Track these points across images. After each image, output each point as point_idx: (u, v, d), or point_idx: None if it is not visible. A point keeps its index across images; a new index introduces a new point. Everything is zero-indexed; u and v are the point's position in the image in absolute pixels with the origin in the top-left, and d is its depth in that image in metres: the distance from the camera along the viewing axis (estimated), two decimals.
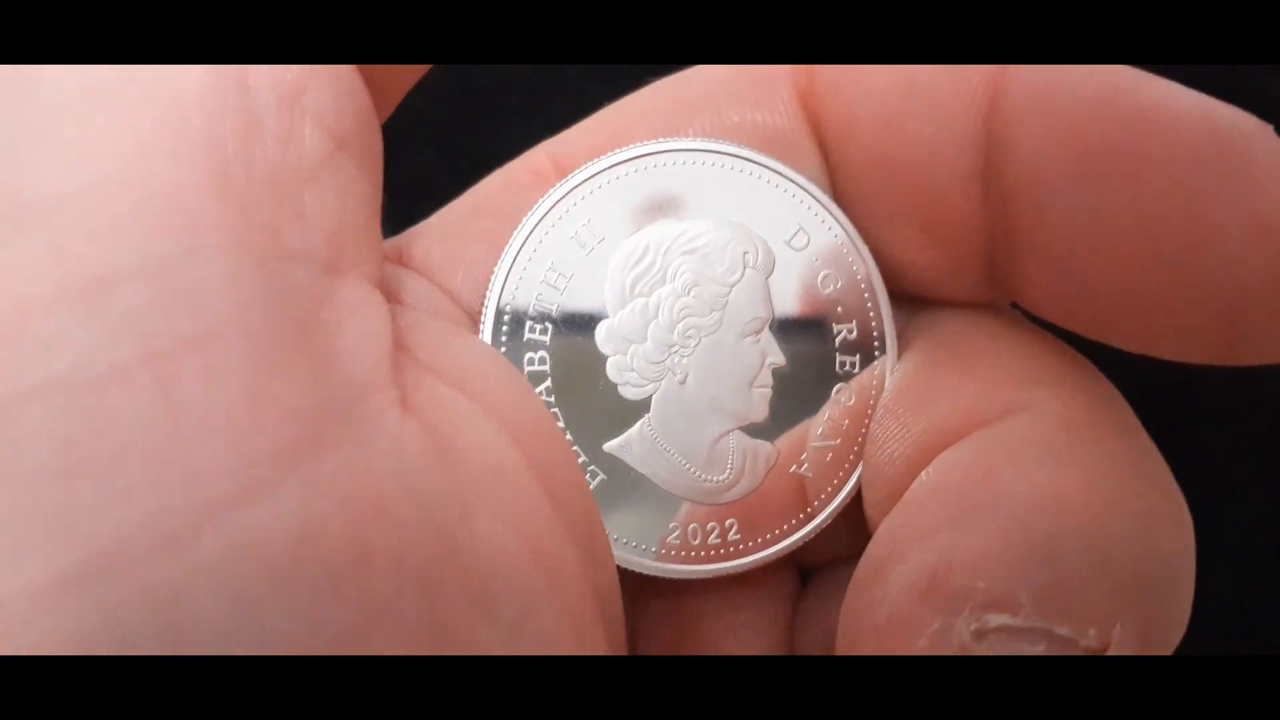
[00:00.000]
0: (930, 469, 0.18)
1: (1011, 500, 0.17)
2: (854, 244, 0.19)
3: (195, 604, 0.13)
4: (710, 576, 0.19)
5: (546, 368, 0.19)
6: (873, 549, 0.18)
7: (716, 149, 0.19)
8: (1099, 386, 0.19)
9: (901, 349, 0.20)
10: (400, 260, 0.20)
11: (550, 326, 0.19)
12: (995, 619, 0.16)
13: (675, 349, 0.19)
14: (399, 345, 0.17)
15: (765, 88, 0.20)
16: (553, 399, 0.19)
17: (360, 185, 0.17)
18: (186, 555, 0.13)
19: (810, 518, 0.20)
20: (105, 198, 0.14)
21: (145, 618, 0.13)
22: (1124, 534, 0.17)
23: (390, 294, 0.18)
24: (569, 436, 0.19)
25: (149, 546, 0.13)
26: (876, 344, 0.20)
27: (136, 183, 0.14)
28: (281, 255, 0.15)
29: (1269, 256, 0.15)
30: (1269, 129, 0.16)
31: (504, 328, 0.19)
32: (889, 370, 0.19)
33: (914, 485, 0.18)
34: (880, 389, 0.19)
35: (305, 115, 0.16)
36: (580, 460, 0.19)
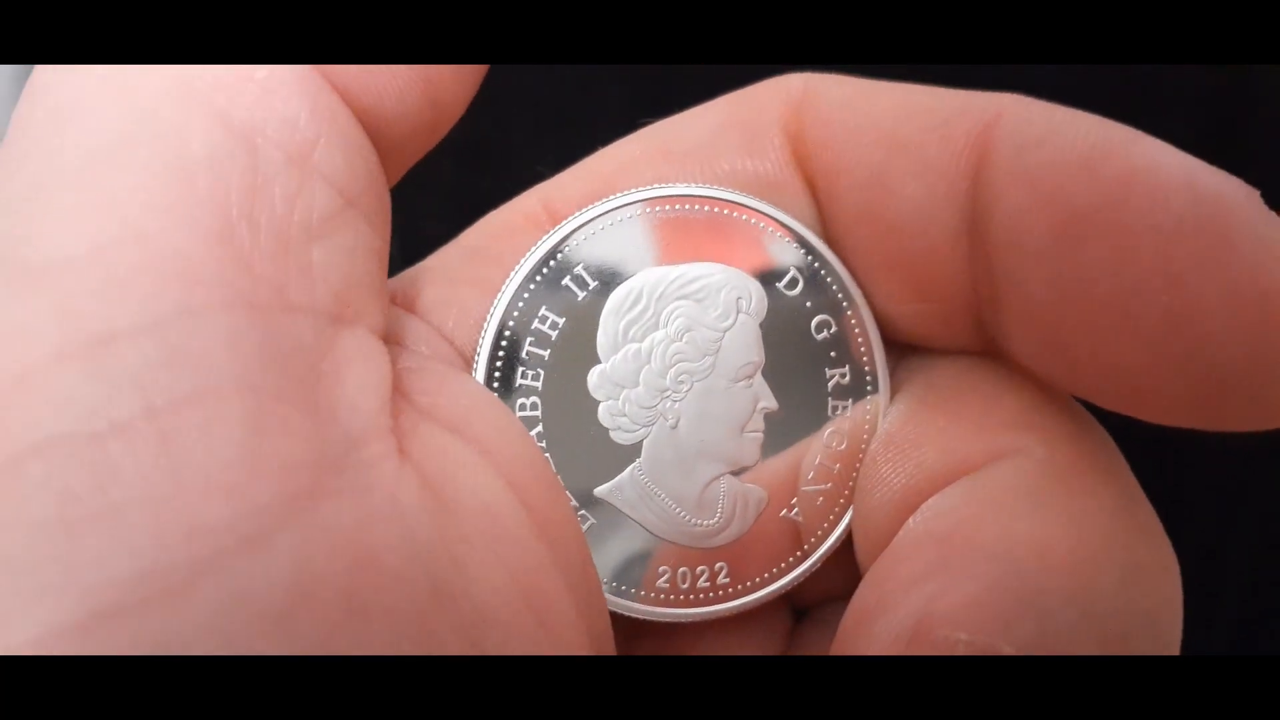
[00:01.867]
0: (917, 515, 0.18)
1: (995, 550, 0.17)
2: (847, 289, 0.20)
3: (193, 648, 0.14)
4: (700, 620, 0.19)
5: (538, 413, 0.19)
6: (858, 598, 0.18)
7: (709, 194, 0.20)
8: (1089, 431, 0.19)
9: (893, 392, 0.20)
10: (401, 303, 0.20)
11: (542, 372, 0.19)
12: None
13: (667, 394, 0.19)
14: (398, 390, 0.17)
15: (756, 136, 0.20)
16: (544, 443, 0.19)
17: (369, 240, 0.17)
18: (184, 606, 0.14)
19: (800, 561, 0.20)
20: (109, 258, 0.15)
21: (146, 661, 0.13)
22: (1109, 585, 0.17)
23: (393, 338, 0.19)
24: (560, 480, 0.19)
25: (148, 598, 0.14)
26: (869, 388, 0.20)
27: (140, 243, 0.15)
28: (284, 309, 0.15)
29: (1249, 328, 0.15)
30: (1254, 195, 0.16)
31: (496, 372, 0.19)
32: (880, 415, 0.20)
33: (901, 532, 0.18)
34: (872, 433, 0.19)
35: (315, 173, 0.16)
36: (571, 504, 0.19)
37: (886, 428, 0.19)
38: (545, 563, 0.17)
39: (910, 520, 0.18)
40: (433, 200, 0.32)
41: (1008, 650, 0.16)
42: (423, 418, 0.17)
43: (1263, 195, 0.16)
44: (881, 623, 0.17)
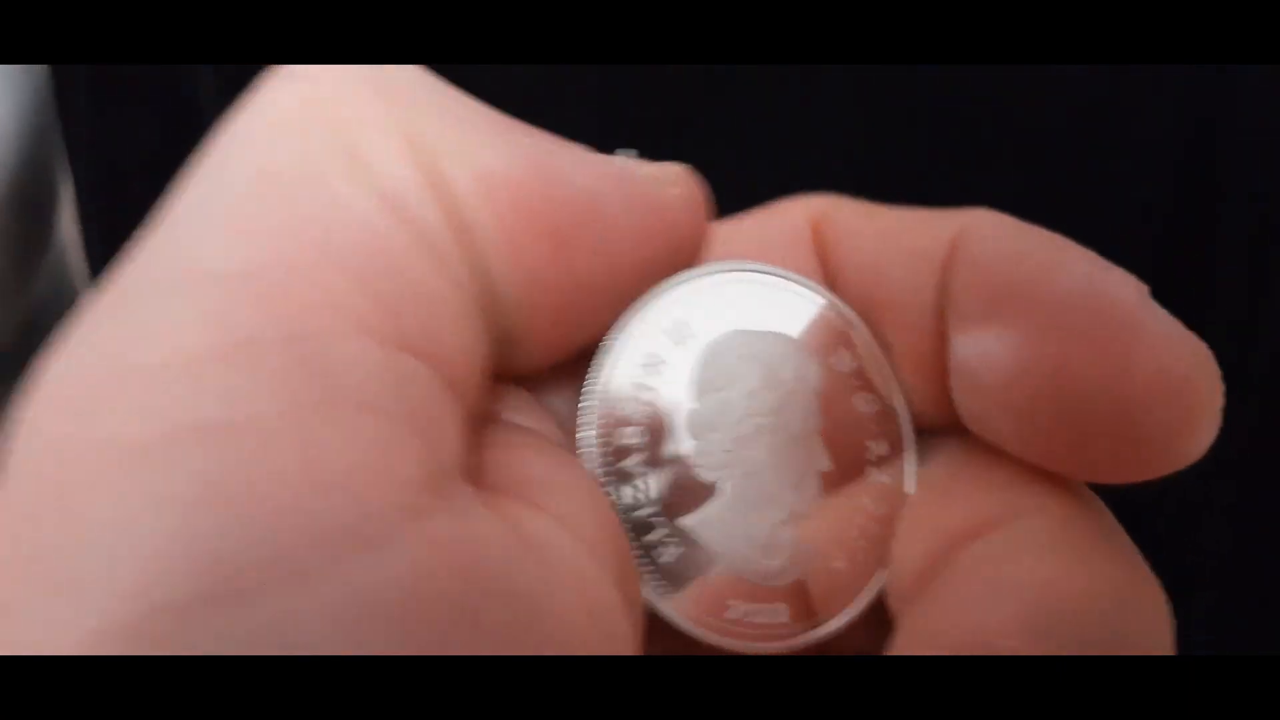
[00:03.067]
0: (951, 564, 0.21)
1: (1022, 582, 0.19)
2: (880, 365, 0.23)
3: (315, 635, 0.15)
4: (763, 654, 0.21)
5: (644, 443, 0.22)
6: (904, 628, 0.20)
7: (783, 275, 0.23)
8: (1086, 494, 0.21)
9: (925, 459, 0.23)
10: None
11: (647, 409, 0.22)
12: None
13: (744, 442, 0.22)
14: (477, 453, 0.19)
15: (794, 236, 0.23)
16: (644, 469, 0.22)
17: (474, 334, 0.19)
18: (312, 590, 0.15)
19: (844, 608, 0.22)
20: (262, 278, 0.16)
21: (270, 642, 0.14)
22: (1119, 612, 0.19)
23: (489, 410, 0.21)
24: (654, 507, 0.21)
25: (279, 579, 0.15)
26: (903, 456, 0.23)
27: (290, 270, 0.17)
28: (409, 350, 0.17)
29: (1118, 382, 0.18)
30: (1143, 291, 0.19)
31: (605, 403, 0.22)
32: (913, 480, 0.22)
33: (939, 580, 0.21)
34: (906, 495, 0.22)
35: (441, 253, 0.18)
36: (663, 532, 0.21)
37: (919, 492, 0.22)
38: (612, 591, 0.19)
39: (945, 569, 0.21)
40: None
41: None
42: (495, 476, 0.19)
43: (1250, 195, 0.18)
44: (929, 644, 0.19)
